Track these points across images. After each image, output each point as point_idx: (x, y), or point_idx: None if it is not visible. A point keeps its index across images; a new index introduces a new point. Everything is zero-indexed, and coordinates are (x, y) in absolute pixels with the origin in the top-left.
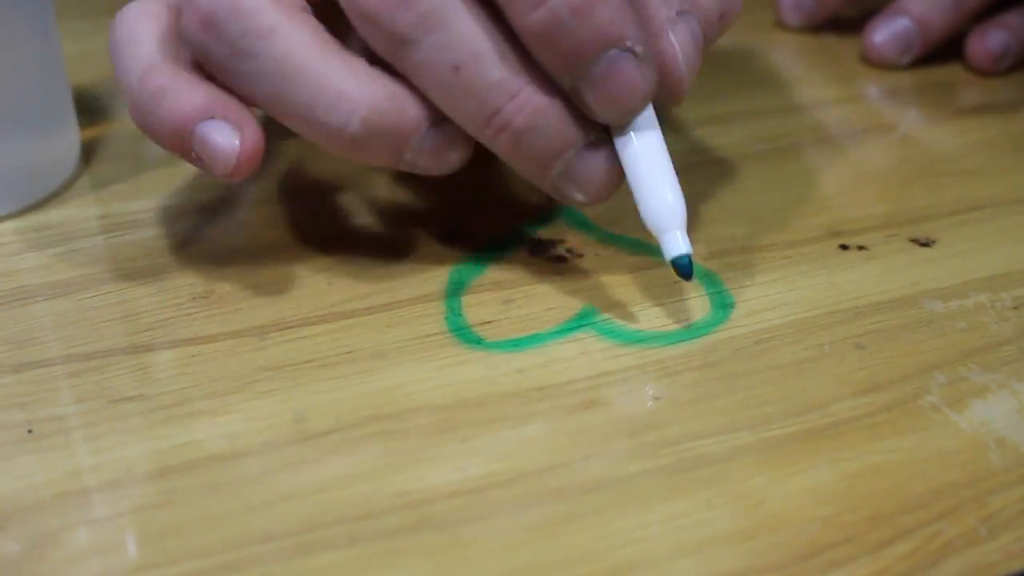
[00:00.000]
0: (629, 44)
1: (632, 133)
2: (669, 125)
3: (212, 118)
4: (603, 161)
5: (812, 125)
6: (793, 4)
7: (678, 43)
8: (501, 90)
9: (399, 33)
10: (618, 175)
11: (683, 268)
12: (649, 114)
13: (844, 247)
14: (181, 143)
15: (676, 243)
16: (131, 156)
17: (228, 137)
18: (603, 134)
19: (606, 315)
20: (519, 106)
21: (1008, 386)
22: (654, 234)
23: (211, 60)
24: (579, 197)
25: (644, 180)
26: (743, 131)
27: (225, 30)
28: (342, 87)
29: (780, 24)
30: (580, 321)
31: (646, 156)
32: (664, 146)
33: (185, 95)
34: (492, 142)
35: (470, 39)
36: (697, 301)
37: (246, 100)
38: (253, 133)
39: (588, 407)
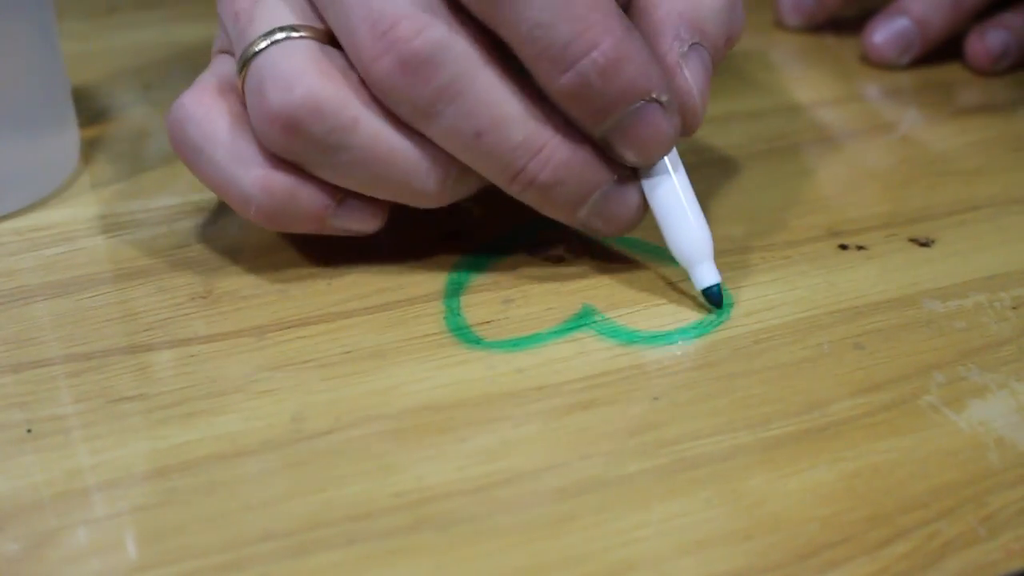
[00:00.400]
0: (655, 95)
1: (658, 171)
2: None
3: (344, 201)
4: (629, 198)
5: (812, 125)
6: (793, 4)
7: (691, 77)
8: (524, 150)
9: (419, 107)
10: (644, 209)
11: (714, 297)
12: (673, 152)
13: (843, 247)
14: (317, 225)
15: (707, 274)
16: (131, 156)
17: (364, 212)
18: (628, 170)
19: (605, 315)
20: (543, 162)
21: (1007, 386)
22: (684, 266)
23: (299, 158)
24: (607, 230)
25: (673, 215)
26: (743, 131)
27: (311, 131)
28: (433, 155)
29: (780, 24)
30: (579, 321)
31: (673, 192)
32: (688, 181)
33: (316, 187)
34: (520, 196)
35: (489, 105)
36: (696, 301)
37: (336, 183)
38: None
39: (587, 407)
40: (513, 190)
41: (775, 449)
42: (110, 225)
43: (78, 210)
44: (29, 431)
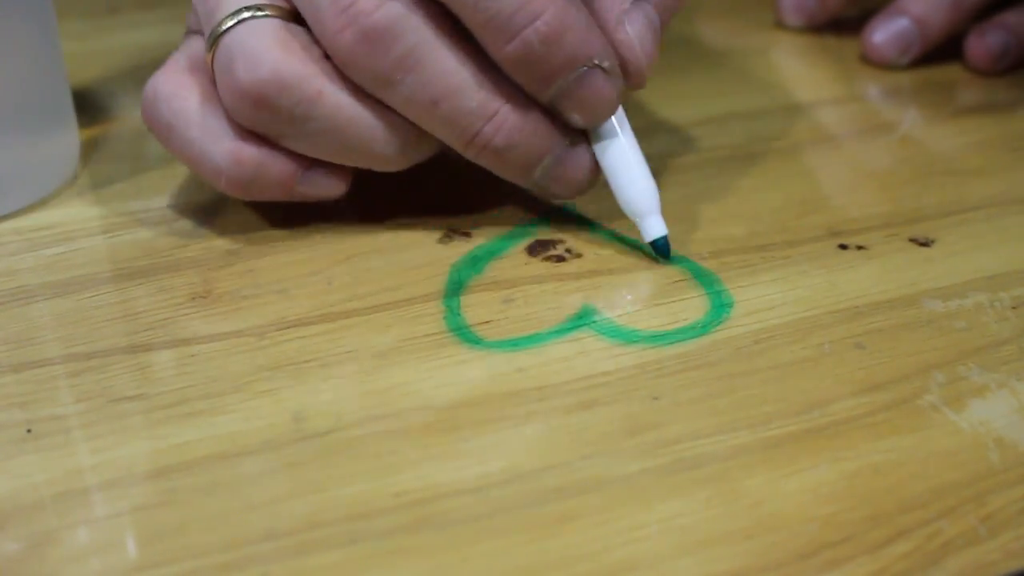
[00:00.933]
0: (596, 61)
1: (605, 131)
2: (668, 125)
3: (309, 169)
4: (581, 160)
5: (812, 125)
6: (794, 4)
7: (633, 33)
8: (478, 115)
9: (380, 76)
10: (595, 170)
11: (661, 248)
12: (619, 112)
13: (843, 247)
14: (286, 193)
15: (654, 226)
16: (131, 156)
17: (328, 178)
18: (579, 135)
19: (605, 315)
20: (496, 127)
21: (1007, 385)
22: (633, 219)
23: (267, 130)
24: (561, 192)
25: (620, 172)
26: (743, 131)
27: (278, 104)
28: (392, 122)
29: (780, 24)
30: (579, 321)
31: (620, 150)
32: (634, 138)
33: (283, 156)
34: (476, 159)
35: (445, 74)
36: (696, 301)
37: (304, 151)
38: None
39: (587, 407)
40: (469, 153)
41: (775, 449)
42: (110, 225)
43: (78, 210)
44: (29, 431)
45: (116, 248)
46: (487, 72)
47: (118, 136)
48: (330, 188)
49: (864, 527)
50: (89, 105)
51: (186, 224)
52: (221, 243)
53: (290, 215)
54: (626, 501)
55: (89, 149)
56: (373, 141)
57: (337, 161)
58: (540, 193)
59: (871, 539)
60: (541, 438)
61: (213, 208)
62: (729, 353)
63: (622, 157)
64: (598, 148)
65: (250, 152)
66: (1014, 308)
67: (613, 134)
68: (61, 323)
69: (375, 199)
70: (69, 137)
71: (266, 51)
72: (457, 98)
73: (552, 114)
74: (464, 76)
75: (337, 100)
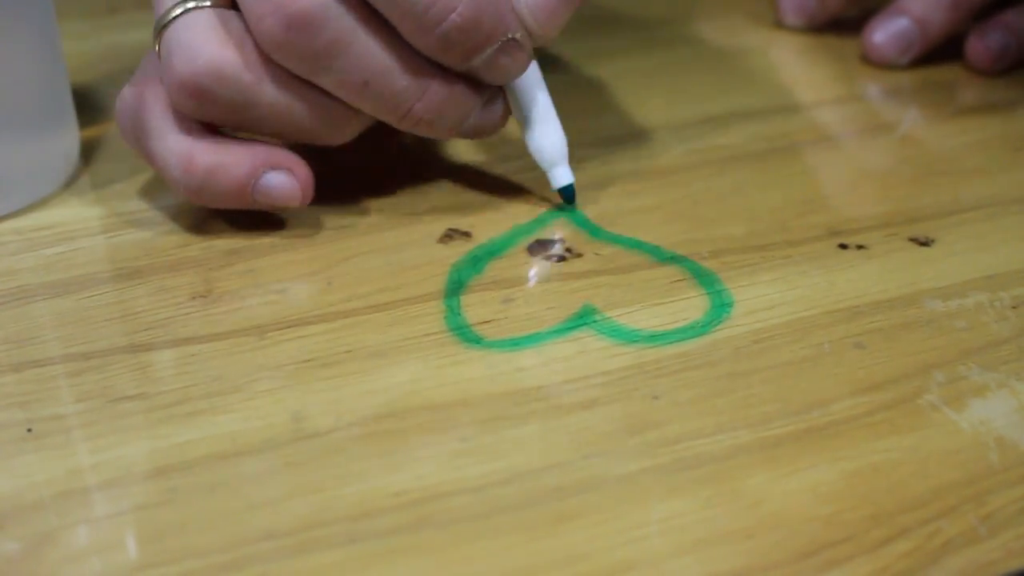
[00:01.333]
0: (510, 35)
1: (519, 89)
2: (668, 124)
3: (264, 173)
4: (496, 111)
5: (812, 125)
6: (794, 5)
7: (525, 3)
8: (408, 94)
9: (306, 62)
10: (508, 113)
11: (568, 196)
12: (532, 68)
13: (843, 246)
14: (243, 202)
15: (562, 175)
16: (131, 156)
17: (284, 181)
18: (495, 89)
19: (605, 314)
20: (427, 104)
21: (1007, 385)
22: (543, 168)
23: (214, 119)
24: (477, 138)
25: (532, 123)
26: (743, 131)
27: (218, 95)
28: (330, 102)
29: (780, 24)
30: (579, 320)
31: (533, 103)
32: (546, 92)
33: (232, 166)
34: (409, 130)
35: (372, 58)
36: (696, 300)
37: (255, 133)
38: (301, 167)
39: (587, 406)
40: (403, 126)
41: (775, 448)
42: (110, 225)
43: (78, 210)
44: (30, 430)
45: (116, 248)
46: (411, 52)
47: (118, 136)
48: (286, 198)
49: (864, 526)
50: (89, 105)
51: (186, 224)
52: (221, 243)
53: (290, 215)
54: (626, 501)
55: (89, 149)
56: (314, 122)
57: (288, 140)
58: (460, 138)
59: (871, 538)
60: (541, 437)
61: (213, 208)
62: (729, 353)
63: (533, 111)
64: (512, 100)
65: (200, 161)
66: (1014, 308)
67: (526, 91)
68: (61, 323)
69: (375, 199)
70: (69, 137)
71: (203, 43)
72: (386, 79)
73: (471, 77)
74: (391, 58)
75: (275, 86)
